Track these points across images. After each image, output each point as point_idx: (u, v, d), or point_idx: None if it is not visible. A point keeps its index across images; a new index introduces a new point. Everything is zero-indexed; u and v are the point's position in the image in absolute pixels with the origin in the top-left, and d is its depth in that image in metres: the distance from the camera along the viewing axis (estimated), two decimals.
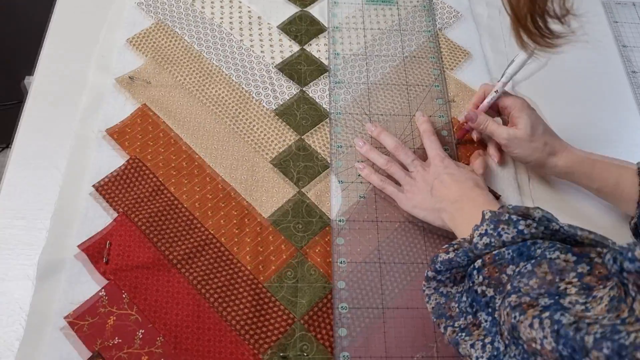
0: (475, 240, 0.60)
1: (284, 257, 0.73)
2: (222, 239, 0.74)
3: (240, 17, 0.96)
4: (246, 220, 0.76)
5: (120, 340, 0.66)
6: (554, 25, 0.59)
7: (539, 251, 0.56)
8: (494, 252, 0.58)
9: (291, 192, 0.78)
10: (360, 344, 0.68)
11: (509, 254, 0.57)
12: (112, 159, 0.79)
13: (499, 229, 0.58)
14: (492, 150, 0.84)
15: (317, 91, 0.88)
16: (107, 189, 0.76)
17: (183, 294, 0.69)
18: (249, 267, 0.72)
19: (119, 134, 0.80)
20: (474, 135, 0.85)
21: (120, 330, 0.66)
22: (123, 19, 0.93)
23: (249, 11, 0.97)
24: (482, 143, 0.86)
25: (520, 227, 0.57)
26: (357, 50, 0.94)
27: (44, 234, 0.72)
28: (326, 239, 0.75)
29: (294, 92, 0.88)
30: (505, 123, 0.82)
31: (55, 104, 0.84)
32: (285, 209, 0.77)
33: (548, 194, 0.83)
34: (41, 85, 0.86)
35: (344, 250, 0.74)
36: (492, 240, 0.58)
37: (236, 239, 0.74)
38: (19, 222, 0.74)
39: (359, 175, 0.80)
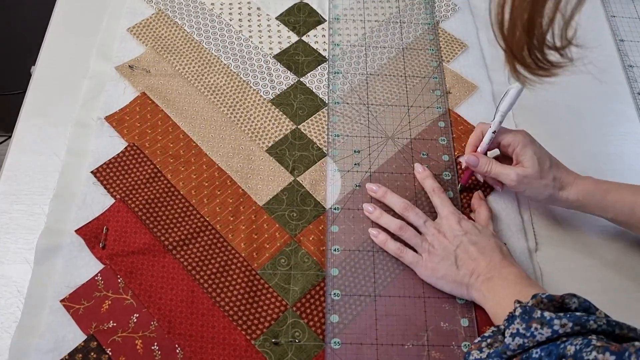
0: (507, 341, 0.56)
1: (278, 244, 0.74)
2: (217, 225, 0.75)
3: (239, 7, 0.96)
4: (241, 207, 0.76)
5: (114, 324, 0.67)
6: (553, 56, 0.53)
7: (572, 349, 0.51)
8: (523, 354, 0.54)
9: (286, 180, 0.79)
10: (351, 331, 0.69)
11: (537, 353, 0.53)
12: (111, 146, 0.80)
13: (532, 329, 0.54)
14: (492, 181, 0.80)
15: (314, 81, 0.89)
16: (105, 175, 0.77)
17: (177, 279, 0.70)
18: (243, 254, 0.73)
19: (117, 121, 0.81)
20: (480, 177, 0.80)
21: (115, 314, 0.68)
22: (124, 9, 0.94)
23: (249, 2, 0.97)
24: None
25: (555, 327, 0.53)
26: (355, 41, 0.94)
27: (42, 218, 0.74)
28: (320, 228, 0.76)
29: (291, 82, 0.89)
30: (505, 159, 0.78)
31: (56, 91, 0.85)
32: (280, 197, 0.78)
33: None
34: (43, 73, 0.88)
35: (338, 238, 0.75)
36: (525, 341, 0.54)
37: (231, 226, 0.75)
38: (19, 207, 0.75)
39: (356, 164, 0.81)
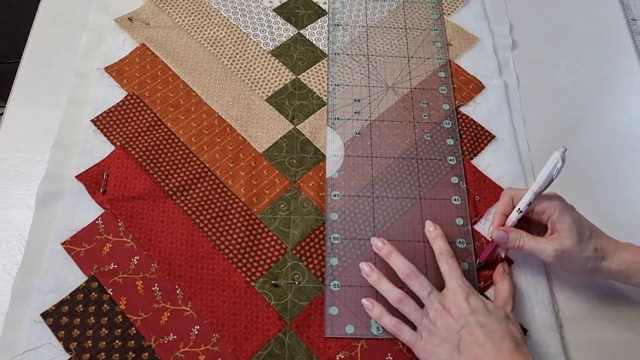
0: None
1: (278, 190, 0.74)
2: (217, 172, 0.75)
3: None
4: (241, 154, 0.76)
5: (115, 266, 0.67)
6: None
7: None
8: None
9: (286, 128, 0.79)
10: (351, 274, 0.69)
11: None
12: (111, 96, 0.80)
13: None
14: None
15: (314, 34, 0.89)
16: (105, 123, 0.77)
17: (177, 223, 0.71)
18: (242, 199, 0.73)
19: (117, 72, 0.81)
20: (502, 253, 0.71)
21: (115, 257, 0.68)
22: None
23: None
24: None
25: None
26: None
27: (43, 165, 0.74)
28: (320, 174, 0.76)
29: (291, 35, 0.88)
30: (536, 226, 0.70)
31: (56, 44, 0.85)
32: (280, 145, 0.78)
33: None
34: (43, 26, 0.88)
35: (338, 184, 0.75)
36: None
37: (231, 172, 0.75)
38: (19, 155, 0.75)
39: (356, 112, 0.81)
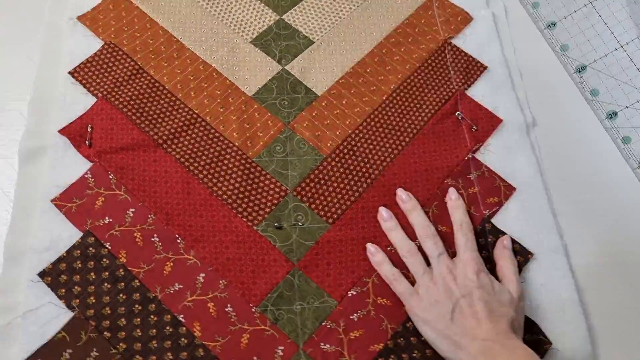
0: None
1: (272, 132, 0.72)
2: (207, 117, 0.72)
3: None
4: (230, 99, 0.74)
5: (110, 220, 0.64)
6: None
7: None
8: None
9: (275, 69, 0.76)
10: None
11: None
12: (87, 45, 0.75)
13: None
14: None
15: None
16: (83, 75, 0.73)
17: (171, 172, 0.68)
18: (236, 144, 0.70)
19: (91, 20, 0.77)
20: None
21: (110, 210, 0.65)
22: None
23: None
24: None
25: None
26: None
27: (22, 121, 0.70)
28: (314, 114, 0.74)
29: None
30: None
31: None
32: (269, 87, 0.75)
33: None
34: None
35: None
36: None
37: (221, 117, 0.72)
38: None
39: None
